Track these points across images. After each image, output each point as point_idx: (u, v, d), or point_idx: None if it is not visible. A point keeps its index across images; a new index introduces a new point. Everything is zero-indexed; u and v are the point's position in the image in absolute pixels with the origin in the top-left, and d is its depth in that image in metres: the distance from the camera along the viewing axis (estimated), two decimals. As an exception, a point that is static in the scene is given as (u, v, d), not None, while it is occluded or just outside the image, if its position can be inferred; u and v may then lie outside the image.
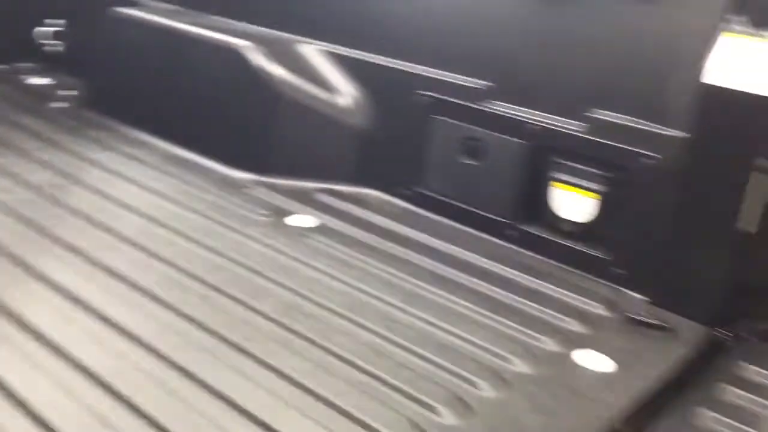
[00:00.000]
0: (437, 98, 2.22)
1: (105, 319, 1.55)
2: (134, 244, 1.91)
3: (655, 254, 1.87)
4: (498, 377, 1.49)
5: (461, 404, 1.39)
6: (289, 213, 2.22)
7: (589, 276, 1.97)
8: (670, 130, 1.84)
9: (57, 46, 3.38)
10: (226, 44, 2.51)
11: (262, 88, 2.43)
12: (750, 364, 1.62)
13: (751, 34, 1.64)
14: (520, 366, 1.55)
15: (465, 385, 1.45)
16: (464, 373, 1.49)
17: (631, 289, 1.91)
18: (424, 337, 1.62)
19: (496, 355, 1.58)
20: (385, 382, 1.43)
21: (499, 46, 2.15)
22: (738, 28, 1.66)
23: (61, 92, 3.17)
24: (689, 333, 1.74)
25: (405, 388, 1.42)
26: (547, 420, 1.37)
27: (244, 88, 2.48)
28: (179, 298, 1.66)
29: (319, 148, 2.46)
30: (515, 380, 1.49)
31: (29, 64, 3.42)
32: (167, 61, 2.72)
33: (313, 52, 2.50)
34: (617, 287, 1.93)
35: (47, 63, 3.39)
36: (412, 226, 2.21)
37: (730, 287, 1.77)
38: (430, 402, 1.38)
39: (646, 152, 1.86)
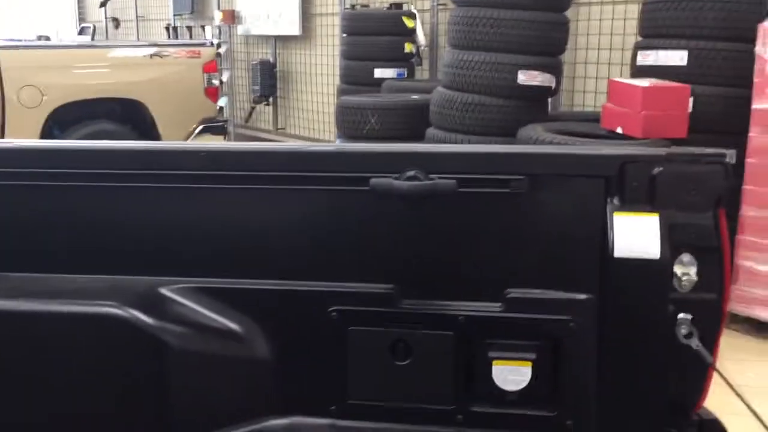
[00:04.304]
0: (352, 310, 2.22)
1: None
2: None
3: (589, 399, 2.12)
4: None
5: None
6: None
7: None
8: (580, 295, 2.11)
9: None
10: (91, 313, 2.14)
11: (142, 347, 2.17)
12: None
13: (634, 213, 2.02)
14: None
15: None
16: None
17: None
18: None
19: None
20: None
21: (390, 246, 2.20)
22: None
23: None
24: None
25: None
26: None
27: (117, 357, 2.18)
28: None
29: (220, 392, 2.24)
30: None
31: None
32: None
33: (181, 291, 2.22)
34: None
35: None
36: None
37: (665, 396, 2.07)
38: None
39: (564, 317, 2.13)
